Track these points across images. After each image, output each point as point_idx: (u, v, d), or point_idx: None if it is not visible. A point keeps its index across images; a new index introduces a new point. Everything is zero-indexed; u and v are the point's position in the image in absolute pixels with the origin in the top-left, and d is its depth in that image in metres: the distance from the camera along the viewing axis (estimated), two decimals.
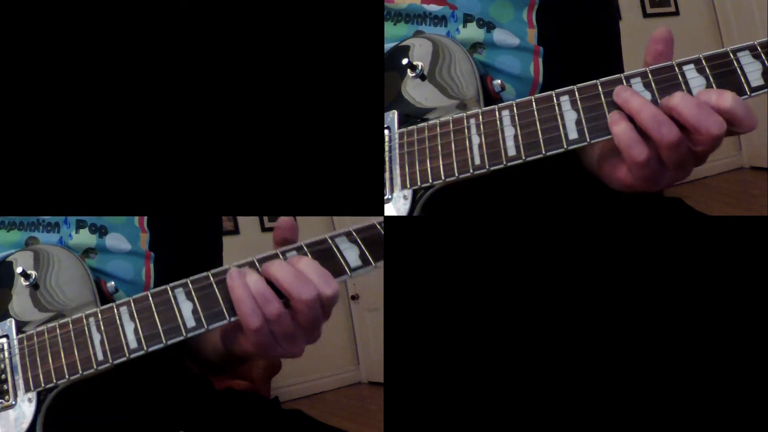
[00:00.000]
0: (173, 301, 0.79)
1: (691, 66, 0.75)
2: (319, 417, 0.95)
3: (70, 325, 0.80)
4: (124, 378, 0.85)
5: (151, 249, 0.92)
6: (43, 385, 0.79)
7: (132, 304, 0.80)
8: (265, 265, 0.79)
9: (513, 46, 0.90)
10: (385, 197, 0.83)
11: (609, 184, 0.80)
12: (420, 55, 0.87)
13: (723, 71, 0.75)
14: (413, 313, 0.82)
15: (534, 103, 0.78)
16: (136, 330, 0.79)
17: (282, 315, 0.77)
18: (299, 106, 0.86)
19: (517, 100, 0.79)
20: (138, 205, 0.88)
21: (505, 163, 0.79)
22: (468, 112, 0.82)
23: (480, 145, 0.80)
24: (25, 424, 0.78)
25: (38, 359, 0.80)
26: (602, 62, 0.95)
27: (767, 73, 0.74)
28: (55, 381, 0.79)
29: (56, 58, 0.84)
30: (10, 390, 0.79)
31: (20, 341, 0.81)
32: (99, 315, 0.80)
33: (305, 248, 0.82)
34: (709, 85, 0.75)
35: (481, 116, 0.81)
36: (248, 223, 3.33)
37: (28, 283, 0.83)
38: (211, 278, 0.80)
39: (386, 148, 0.85)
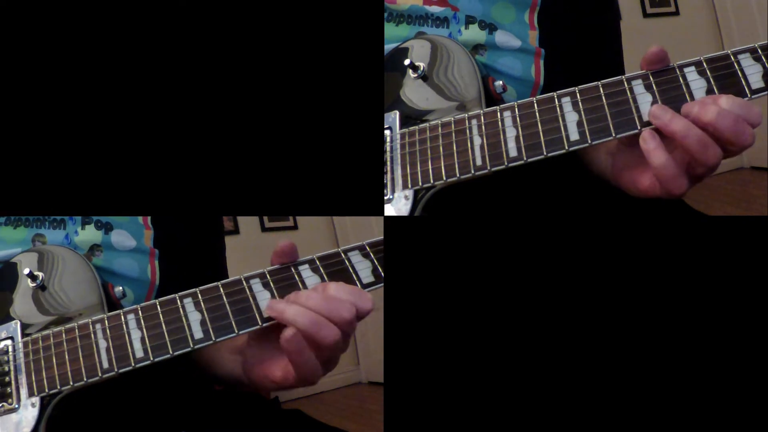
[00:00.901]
0: (182, 311, 0.79)
1: (692, 68, 0.75)
2: (319, 417, 0.95)
3: (76, 331, 0.80)
4: (125, 378, 0.85)
5: (156, 246, 0.92)
6: (47, 390, 0.78)
7: (140, 312, 0.79)
8: (294, 296, 0.78)
9: (514, 48, 0.90)
10: (387, 197, 0.83)
11: (628, 192, 0.80)
12: (418, 56, 0.87)
13: (723, 73, 0.75)
14: (413, 313, 0.82)
15: (536, 104, 0.79)
16: (142, 339, 0.78)
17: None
18: (300, 106, 0.86)
19: (519, 101, 0.80)
20: (138, 205, 0.88)
21: (506, 163, 0.79)
22: (469, 113, 0.82)
23: (481, 146, 0.80)
24: (27, 429, 0.78)
25: (43, 364, 0.79)
26: (603, 64, 0.96)
27: (767, 76, 0.74)
28: (59, 387, 0.78)
29: (61, 58, 0.84)
30: (14, 393, 0.79)
31: (25, 344, 0.80)
32: (106, 322, 0.79)
33: (317, 261, 0.81)
34: (709, 88, 0.75)
35: (482, 117, 0.81)
36: (248, 223, 3.32)
37: (35, 285, 0.82)
38: (221, 289, 0.79)
39: (388, 149, 0.85)
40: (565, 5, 0.94)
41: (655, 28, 3.25)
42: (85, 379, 0.78)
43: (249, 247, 3.08)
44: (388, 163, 0.84)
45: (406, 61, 0.86)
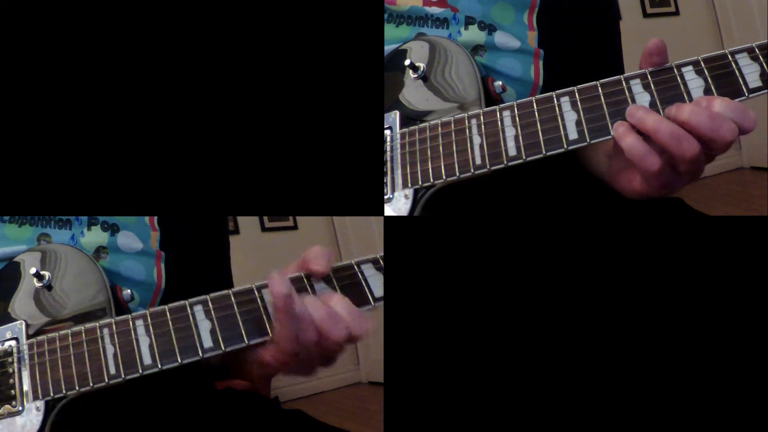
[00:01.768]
0: (192, 320, 0.78)
1: (690, 68, 0.76)
2: (319, 417, 0.95)
3: (83, 335, 0.79)
4: (129, 382, 0.84)
5: (162, 248, 0.91)
6: (52, 394, 0.77)
7: (149, 318, 0.78)
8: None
9: (514, 49, 0.91)
10: (386, 197, 0.83)
11: (625, 195, 0.81)
12: (417, 58, 0.87)
13: (721, 73, 0.75)
14: (413, 313, 0.82)
15: (535, 104, 0.79)
16: (151, 346, 0.77)
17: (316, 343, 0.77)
18: (300, 106, 0.86)
19: (518, 101, 0.80)
20: (138, 205, 0.87)
21: (506, 163, 0.79)
22: (469, 113, 0.82)
23: (481, 145, 0.80)
24: None
25: (48, 367, 0.78)
26: (603, 64, 0.96)
27: (765, 75, 0.74)
28: (64, 392, 0.77)
29: (68, 60, 0.84)
30: (18, 395, 0.78)
31: (30, 346, 0.79)
32: (114, 326, 0.79)
33: (331, 274, 0.81)
34: (707, 87, 0.75)
35: (482, 116, 0.81)
36: (248, 223, 3.32)
37: (41, 284, 0.81)
38: (233, 298, 0.79)
39: (388, 148, 0.85)
40: (564, 6, 0.94)
41: (655, 28, 3.25)
42: (91, 384, 0.77)
43: (249, 247, 3.08)
44: (388, 163, 0.84)
45: (407, 62, 0.86)
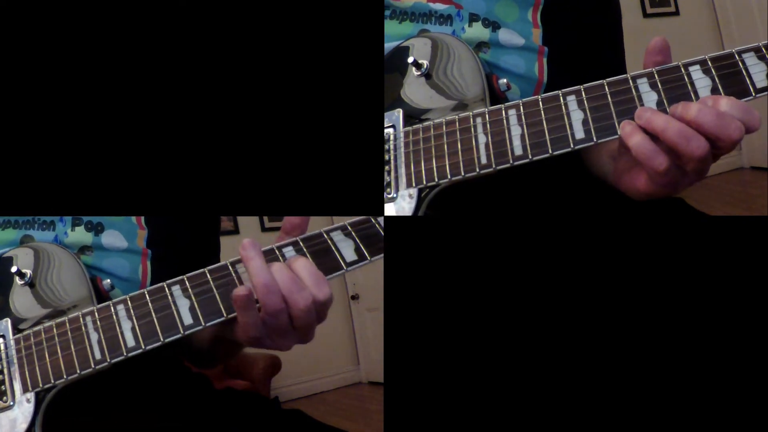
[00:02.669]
0: (170, 299, 0.79)
1: (697, 67, 0.75)
2: (319, 417, 0.95)
3: (67, 325, 0.80)
4: (124, 378, 0.84)
5: (149, 246, 0.92)
6: (41, 385, 0.79)
7: (129, 302, 0.80)
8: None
9: (518, 46, 0.90)
10: (390, 196, 0.83)
11: (629, 195, 0.80)
12: (419, 55, 0.87)
13: (728, 72, 0.75)
14: (413, 313, 0.81)
15: (541, 103, 0.78)
16: (133, 328, 0.79)
17: (281, 311, 0.77)
18: (300, 106, 0.86)
19: (524, 100, 0.79)
20: (137, 205, 0.87)
21: (511, 162, 0.79)
22: (474, 111, 0.81)
23: (486, 144, 0.80)
24: (24, 425, 0.78)
25: (36, 359, 0.79)
26: (606, 62, 0.96)
27: None
28: (53, 381, 0.79)
29: (52, 57, 0.83)
30: (8, 391, 0.79)
31: (17, 341, 0.81)
32: (96, 314, 0.80)
33: (301, 243, 0.82)
34: (714, 86, 0.75)
35: (487, 115, 0.80)
36: (248, 223, 3.33)
37: (23, 282, 0.83)
38: (208, 275, 0.80)
39: (391, 147, 0.85)
40: (568, 4, 0.94)
41: (655, 28, 3.26)
42: (78, 372, 0.78)
43: None
44: (392, 162, 0.84)
45: (410, 59, 0.86)
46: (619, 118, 0.76)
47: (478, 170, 0.80)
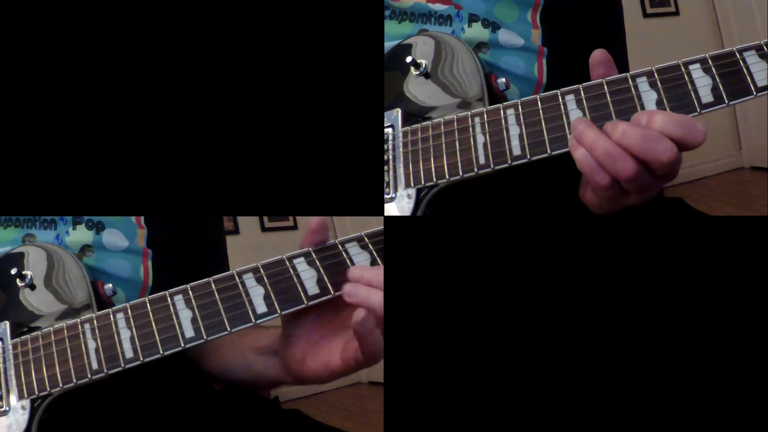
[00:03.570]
0: (172, 309, 0.77)
1: (697, 65, 0.75)
2: (319, 417, 0.95)
3: (65, 331, 0.79)
4: (121, 377, 0.84)
5: (149, 246, 0.91)
6: (36, 393, 0.77)
7: (129, 311, 0.78)
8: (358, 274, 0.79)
9: (517, 47, 0.90)
10: (389, 196, 0.83)
11: (589, 207, 0.80)
12: (422, 53, 0.87)
13: (729, 71, 0.74)
14: (413, 313, 0.81)
15: (539, 102, 0.78)
16: (132, 339, 0.77)
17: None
18: (299, 105, 0.86)
19: (522, 99, 0.79)
20: (137, 205, 0.87)
21: (510, 162, 0.78)
22: (472, 111, 0.81)
23: (485, 144, 0.80)
24: None
25: (32, 365, 0.78)
26: None
27: None
28: (48, 389, 0.77)
29: (51, 56, 0.83)
30: (3, 396, 0.78)
31: (14, 346, 0.79)
32: (95, 321, 0.78)
33: (313, 254, 0.80)
34: (714, 85, 0.74)
35: (485, 115, 0.80)
36: (248, 223, 3.32)
37: (23, 284, 0.81)
38: (213, 285, 0.78)
39: (390, 147, 0.84)
40: (568, 5, 0.93)
41: (655, 28, 3.25)
42: (74, 381, 0.77)
43: (249, 247, 3.08)
44: (391, 162, 0.84)
45: (408, 59, 0.86)
46: (618, 118, 0.75)
47: (476, 170, 0.80)
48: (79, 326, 0.78)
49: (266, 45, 0.85)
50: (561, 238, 0.81)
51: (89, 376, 0.77)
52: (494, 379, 0.80)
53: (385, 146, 0.85)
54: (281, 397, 1.01)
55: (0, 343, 0.80)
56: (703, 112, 0.75)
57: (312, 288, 0.80)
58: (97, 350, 0.77)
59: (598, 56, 0.76)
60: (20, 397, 0.77)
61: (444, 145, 0.81)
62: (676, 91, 0.74)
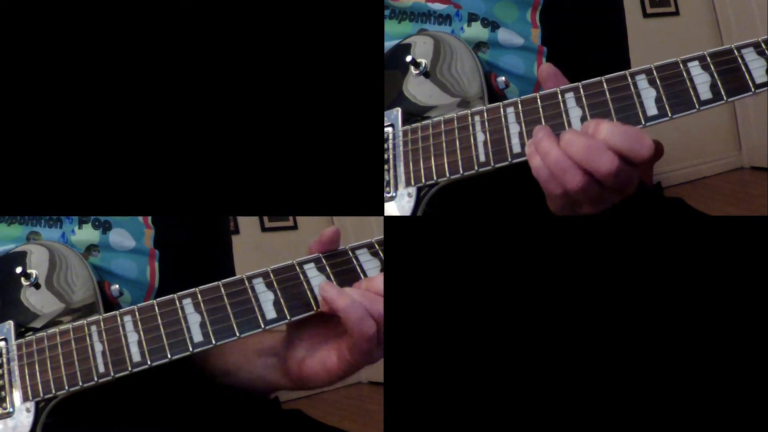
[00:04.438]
0: (180, 313, 0.77)
1: (696, 63, 0.75)
2: (319, 417, 0.95)
3: (71, 333, 0.78)
4: (123, 378, 0.84)
5: (156, 246, 0.90)
6: (41, 395, 0.76)
7: (137, 314, 0.77)
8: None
9: (517, 46, 0.90)
10: (389, 195, 0.83)
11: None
12: (422, 52, 0.87)
13: (727, 68, 0.74)
14: (413, 313, 0.81)
15: (539, 100, 0.78)
16: (139, 342, 0.76)
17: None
18: (299, 105, 0.86)
19: (522, 97, 0.79)
20: (138, 205, 0.87)
21: (510, 160, 0.78)
22: (472, 109, 0.81)
23: (485, 142, 0.80)
24: None
25: (37, 367, 0.77)
26: (607, 62, 0.95)
27: None
28: (54, 392, 0.76)
29: (59, 57, 0.83)
30: (8, 397, 0.77)
31: (18, 347, 0.78)
32: (102, 324, 0.77)
33: (324, 261, 0.80)
34: (713, 82, 0.74)
35: (485, 113, 0.80)
36: (248, 223, 3.32)
37: (28, 283, 0.80)
38: (222, 290, 0.78)
39: (390, 146, 0.84)
40: (568, 4, 0.93)
41: (655, 28, 3.25)
42: (80, 384, 0.76)
43: (249, 247, 3.08)
44: (391, 161, 0.84)
45: (408, 58, 0.86)
46: (618, 115, 0.75)
47: (476, 168, 0.80)
48: (86, 328, 0.77)
49: (266, 45, 0.85)
50: (562, 238, 0.81)
51: (96, 379, 0.76)
52: (494, 379, 0.80)
53: (385, 145, 0.85)
54: (281, 397, 1.01)
55: (4, 343, 0.79)
56: (702, 108, 0.75)
57: None
58: (103, 353, 0.76)
59: (546, 70, 0.77)
60: (25, 399, 0.76)
61: (444, 144, 0.81)
62: (675, 89, 0.75)
